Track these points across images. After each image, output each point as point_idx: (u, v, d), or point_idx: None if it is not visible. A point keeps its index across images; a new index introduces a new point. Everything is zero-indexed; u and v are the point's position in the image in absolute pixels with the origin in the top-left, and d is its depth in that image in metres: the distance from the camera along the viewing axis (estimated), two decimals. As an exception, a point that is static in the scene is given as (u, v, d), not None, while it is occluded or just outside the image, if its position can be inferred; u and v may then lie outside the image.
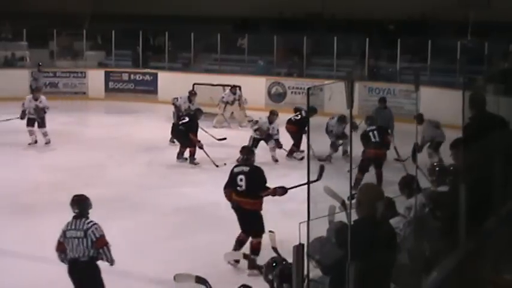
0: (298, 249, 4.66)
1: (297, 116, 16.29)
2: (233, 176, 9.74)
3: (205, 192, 12.78)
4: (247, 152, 10.09)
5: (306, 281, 4.86)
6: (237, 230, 10.39)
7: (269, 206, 11.71)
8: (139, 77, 25.23)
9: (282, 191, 9.77)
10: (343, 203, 5.81)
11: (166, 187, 13.14)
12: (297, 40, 24.20)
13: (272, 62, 24.89)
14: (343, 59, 23.40)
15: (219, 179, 13.67)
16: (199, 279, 6.01)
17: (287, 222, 6.67)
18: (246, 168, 9.72)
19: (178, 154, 15.64)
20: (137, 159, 15.69)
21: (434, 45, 21.77)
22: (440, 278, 5.64)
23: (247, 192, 9.57)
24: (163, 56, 26.19)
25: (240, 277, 6.27)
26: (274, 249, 6.38)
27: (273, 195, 9.64)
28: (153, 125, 19.78)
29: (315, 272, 5.23)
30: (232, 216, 11.36)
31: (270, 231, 6.76)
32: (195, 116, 16.19)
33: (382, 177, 12.56)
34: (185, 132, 15.49)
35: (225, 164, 14.28)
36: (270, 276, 5.85)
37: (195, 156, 15.38)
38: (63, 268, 9.00)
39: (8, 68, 25.45)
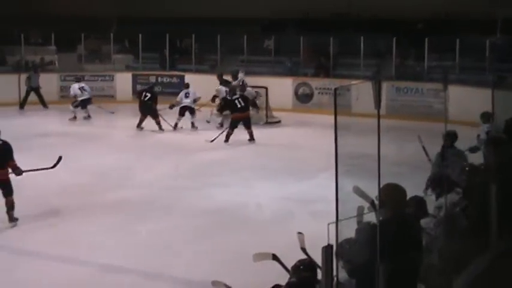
0: (327, 250, 4.64)
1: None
2: None
3: (232, 193, 12.78)
4: None
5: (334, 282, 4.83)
6: (265, 231, 10.39)
7: (297, 207, 11.74)
8: (166, 79, 25.30)
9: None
10: (372, 203, 5.76)
11: (194, 189, 13.14)
12: (323, 40, 24.10)
13: (299, 63, 24.84)
14: (370, 58, 23.27)
15: (246, 179, 13.80)
16: (275, 257, 6.31)
17: (316, 223, 6.64)
18: None
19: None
20: (165, 161, 15.72)
21: (462, 43, 21.55)
22: (471, 279, 5.58)
23: None
24: (190, 58, 26.23)
25: (269, 278, 6.23)
26: (303, 250, 6.36)
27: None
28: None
29: (342, 274, 5.19)
30: (259, 217, 11.39)
31: (298, 233, 6.73)
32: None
33: None
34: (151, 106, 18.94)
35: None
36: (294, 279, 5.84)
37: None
38: (93, 269, 9.08)
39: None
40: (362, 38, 22.84)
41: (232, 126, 17.65)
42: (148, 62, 26.80)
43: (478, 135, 13.05)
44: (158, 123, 19.16)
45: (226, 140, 17.53)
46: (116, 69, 26.38)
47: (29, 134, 17.80)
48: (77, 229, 10.72)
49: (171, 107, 19.72)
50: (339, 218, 4.75)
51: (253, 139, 17.70)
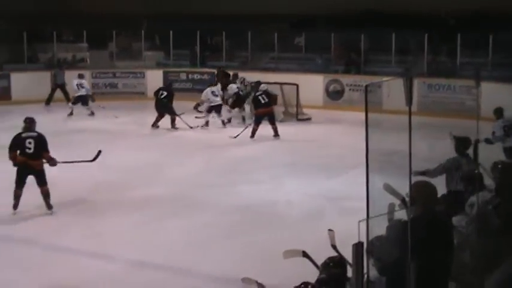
0: (358, 247, 4.61)
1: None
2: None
3: (262, 190, 12.78)
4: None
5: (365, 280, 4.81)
6: (295, 228, 10.37)
7: (328, 204, 11.71)
8: (197, 76, 25.38)
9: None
10: (403, 201, 5.73)
11: (224, 186, 13.16)
12: (354, 37, 24.02)
13: (329, 60, 24.77)
14: (402, 55, 23.15)
15: (277, 176, 13.79)
16: (305, 254, 6.33)
17: (346, 220, 6.61)
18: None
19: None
20: (195, 157, 15.76)
21: (495, 40, 21.36)
22: (503, 278, 5.52)
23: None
24: (220, 55, 26.31)
25: (299, 275, 6.22)
26: (334, 247, 6.34)
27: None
28: (211, 123, 19.86)
29: (373, 272, 5.17)
30: (290, 214, 11.37)
31: (329, 230, 6.71)
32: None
33: None
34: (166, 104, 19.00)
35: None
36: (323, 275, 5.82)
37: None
38: (124, 266, 9.14)
39: (69, 70, 25.83)
40: (393, 34, 22.72)
41: (257, 122, 17.74)
42: (179, 59, 26.90)
43: (493, 132, 13.15)
44: (173, 120, 19.15)
45: (252, 135, 17.64)
46: (147, 66, 26.53)
47: (59, 131, 17.95)
48: (107, 225, 10.79)
49: (196, 107, 19.75)
50: (370, 215, 4.73)
51: (278, 135, 17.75)
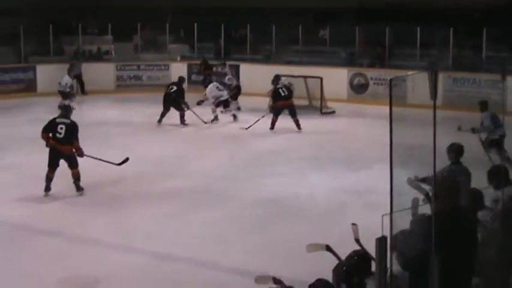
0: (381, 241, 4.61)
1: None
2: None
3: (286, 183, 12.78)
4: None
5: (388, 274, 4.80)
6: (319, 222, 10.37)
7: (351, 198, 11.69)
8: (221, 69, 25.37)
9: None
10: (426, 195, 5.71)
11: (248, 179, 13.17)
12: (379, 30, 23.89)
13: (354, 53, 24.70)
14: (427, 48, 23.00)
15: (300, 170, 13.79)
16: (329, 248, 6.29)
17: (370, 214, 6.61)
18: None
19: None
20: (219, 150, 15.79)
21: (521, 34, 21.20)
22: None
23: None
24: (245, 48, 26.32)
25: (322, 269, 6.22)
26: (357, 241, 6.32)
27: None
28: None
29: (396, 266, 5.15)
30: (313, 207, 11.37)
31: (352, 224, 6.70)
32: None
33: None
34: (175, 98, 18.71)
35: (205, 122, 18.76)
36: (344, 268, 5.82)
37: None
38: (148, 258, 9.19)
39: (94, 62, 26.01)
40: (418, 28, 22.60)
41: (277, 114, 17.85)
42: (204, 51, 26.90)
43: (482, 122, 13.72)
44: (182, 116, 18.82)
45: (272, 127, 17.79)
46: (171, 58, 26.60)
47: (85, 122, 18.06)
48: (132, 217, 10.86)
49: (200, 103, 19.75)
50: (393, 209, 4.71)
51: (300, 128, 17.79)
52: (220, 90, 19.57)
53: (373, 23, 24.31)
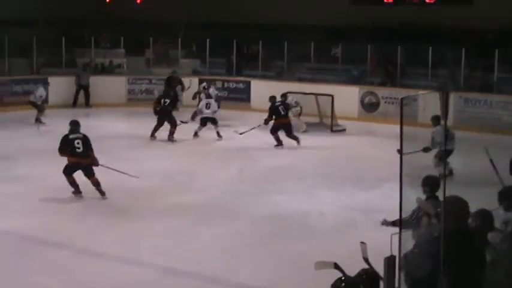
0: (390, 260, 4.60)
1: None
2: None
3: (295, 200, 12.76)
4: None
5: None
6: (327, 239, 10.34)
7: (360, 216, 11.65)
8: (232, 85, 25.44)
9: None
10: (436, 215, 5.68)
11: (257, 195, 13.16)
12: (390, 49, 23.90)
13: (365, 71, 24.70)
14: (438, 68, 23.00)
15: (309, 187, 13.77)
16: (337, 266, 6.28)
17: (379, 233, 6.59)
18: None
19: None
20: (229, 166, 15.78)
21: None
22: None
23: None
24: (256, 64, 26.35)
25: (328, 286, 6.21)
26: (366, 259, 6.31)
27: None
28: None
29: (404, 286, 5.13)
30: (322, 225, 11.34)
31: (361, 242, 6.68)
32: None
33: None
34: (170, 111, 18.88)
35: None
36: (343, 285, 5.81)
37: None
38: (156, 272, 9.17)
39: (106, 75, 26.12)
40: (430, 47, 22.59)
41: (275, 131, 18.05)
42: (215, 67, 26.99)
43: (433, 138, 13.74)
44: (172, 133, 18.73)
45: (278, 144, 17.97)
46: (183, 73, 26.64)
47: (95, 135, 18.11)
48: (140, 231, 10.85)
49: (193, 116, 20.12)
50: (403, 228, 4.70)
51: (299, 142, 18.03)
52: (207, 108, 19.32)
53: (386, 41, 24.30)
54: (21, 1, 26.73)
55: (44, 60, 26.10)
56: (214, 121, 19.28)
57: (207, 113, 19.23)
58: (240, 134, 18.36)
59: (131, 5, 29.79)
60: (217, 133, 19.13)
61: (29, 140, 17.74)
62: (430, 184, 7.85)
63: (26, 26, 25.37)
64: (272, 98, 18.63)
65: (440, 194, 6.77)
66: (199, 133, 19.11)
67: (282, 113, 18.13)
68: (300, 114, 20.39)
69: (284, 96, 18.93)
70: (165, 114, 18.93)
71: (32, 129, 19.65)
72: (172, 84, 23.13)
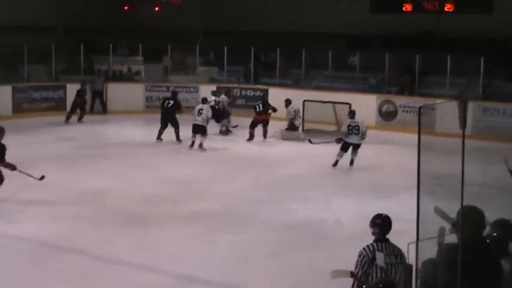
0: (406, 270, 4.57)
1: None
2: None
3: (312, 209, 12.74)
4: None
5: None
6: (344, 248, 10.29)
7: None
8: (250, 92, 25.46)
9: None
10: (453, 225, 5.64)
11: (274, 203, 13.15)
12: (409, 58, 23.84)
13: (383, 80, 24.64)
14: (457, 77, 22.90)
15: (327, 196, 13.74)
16: (353, 275, 6.39)
17: (396, 242, 6.55)
18: None
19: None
20: (246, 174, 15.80)
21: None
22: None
23: None
24: (274, 72, 26.34)
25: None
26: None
27: None
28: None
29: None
30: (339, 233, 11.30)
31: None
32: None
33: None
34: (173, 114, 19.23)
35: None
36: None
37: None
38: (172, 279, 9.16)
39: (124, 82, 26.23)
40: (448, 56, 22.50)
41: (252, 126, 20.05)
42: (233, 74, 27.01)
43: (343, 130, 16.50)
44: (177, 133, 19.12)
45: (250, 138, 19.83)
46: (201, 81, 26.71)
47: (112, 142, 18.24)
48: (157, 238, 10.86)
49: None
50: (420, 238, 4.67)
51: (266, 138, 20.00)
52: (198, 114, 18.66)
53: (404, 50, 24.23)
54: (40, 8, 26.86)
55: (63, 67, 26.24)
56: (203, 130, 18.49)
57: (198, 120, 18.52)
58: (233, 127, 20.68)
59: (149, 12, 29.90)
60: (200, 145, 18.34)
61: (47, 146, 17.82)
62: (379, 224, 6.90)
63: (44, 33, 25.48)
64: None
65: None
66: (196, 142, 18.48)
67: (258, 110, 20.23)
68: (300, 124, 21.13)
69: (287, 101, 20.47)
70: (167, 116, 19.01)
71: (49, 136, 19.69)
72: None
